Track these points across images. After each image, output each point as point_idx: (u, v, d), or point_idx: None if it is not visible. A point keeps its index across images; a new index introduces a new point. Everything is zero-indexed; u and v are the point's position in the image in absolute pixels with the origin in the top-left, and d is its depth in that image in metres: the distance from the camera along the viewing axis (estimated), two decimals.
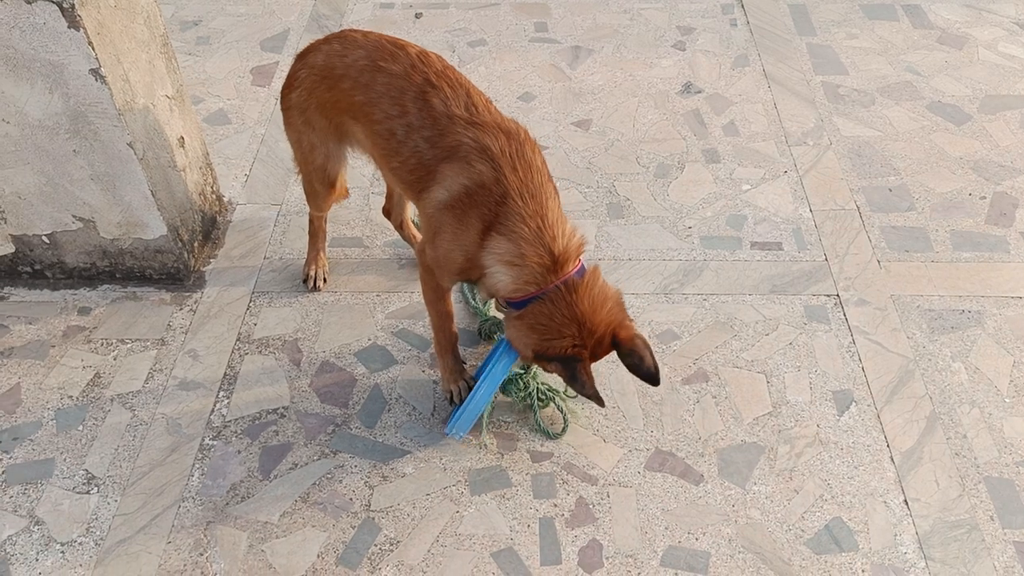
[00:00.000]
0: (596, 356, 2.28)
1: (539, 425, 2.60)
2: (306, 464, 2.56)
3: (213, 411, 2.69)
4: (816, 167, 3.51)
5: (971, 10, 4.37)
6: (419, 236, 3.10)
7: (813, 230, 3.24)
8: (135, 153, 2.70)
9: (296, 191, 3.43)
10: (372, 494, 2.48)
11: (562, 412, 2.62)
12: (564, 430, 2.60)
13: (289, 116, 2.67)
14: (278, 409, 2.70)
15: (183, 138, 3.01)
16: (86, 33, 2.43)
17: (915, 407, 2.66)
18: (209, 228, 3.22)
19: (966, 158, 3.54)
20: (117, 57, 2.58)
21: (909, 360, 2.79)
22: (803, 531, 2.39)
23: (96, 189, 2.80)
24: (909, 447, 2.56)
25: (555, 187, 2.32)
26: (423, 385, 2.76)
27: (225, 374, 2.79)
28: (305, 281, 3.06)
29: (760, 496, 2.47)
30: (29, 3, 2.37)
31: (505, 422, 2.65)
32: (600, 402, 2.25)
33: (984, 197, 3.36)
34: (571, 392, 2.65)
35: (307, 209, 3.31)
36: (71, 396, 2.74)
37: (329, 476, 2.53)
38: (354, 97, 2.43)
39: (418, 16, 4.42)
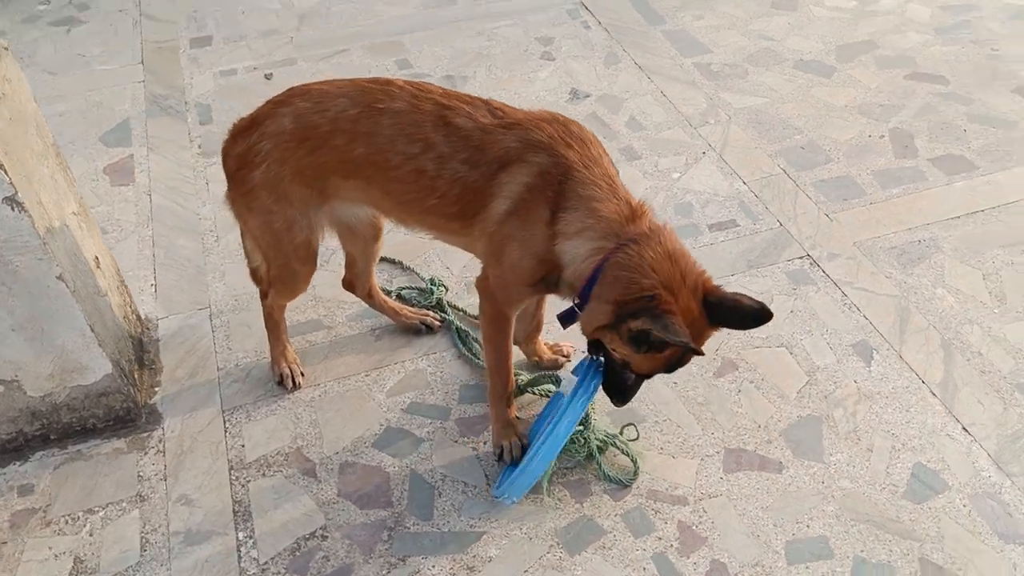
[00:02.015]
0: (686, 316, 1.93)
1: (607, 476, 2.42)
2: None
3: (241, 557, 2.29)
4: (728, 143, 3.59)
5: None
6: (390, 301, 2.83)
7: (756, 201, 3.31)
8: (67, 286, 2.24)
9: (220, 289, 3.03)
10: None
11: (628, 455, 2.45)
12: (636, 472, 2.43)
13: (252, 199, 2.29)
14: (316, 531, 2.34)
15: (98, 258, 2.55)
16: None
17: (926, 340, 2.76)
18: (140, 354, 2.76)
19: (850, 105, 3.77)
20: (28, 178, 2.13)
21: (899, 298, 2.90)
22: (896, 486, 2.39)
23: (19, 341, 2.30)
24: (941, 378, 2.65)
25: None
26: (464, 456, 2.50)
27: (235, 511, 2.39)
28: (281, 382, 2.69)
29: (841, 464, 2.45)
30: None
31: (567, 468, 2.45)
32: (698, 350, 1.90)
33: (883, 136, 3.59)
34: (630, 433, 2.49)
35: (244, 304, 2.95)
36: None
37: None
38: (353, 152, 2.16)
39: (268, 77, 4.09)
